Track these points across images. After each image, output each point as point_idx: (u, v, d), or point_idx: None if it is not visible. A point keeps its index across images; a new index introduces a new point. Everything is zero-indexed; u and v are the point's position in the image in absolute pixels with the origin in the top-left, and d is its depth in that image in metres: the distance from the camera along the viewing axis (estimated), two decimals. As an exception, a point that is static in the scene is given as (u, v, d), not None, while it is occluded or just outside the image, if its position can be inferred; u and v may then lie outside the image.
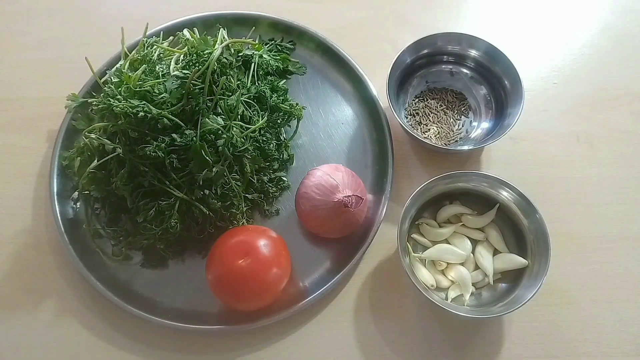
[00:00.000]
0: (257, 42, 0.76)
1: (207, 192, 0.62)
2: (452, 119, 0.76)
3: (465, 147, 0.72)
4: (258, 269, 0.59)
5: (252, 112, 0.69)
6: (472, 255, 0.66)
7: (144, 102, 0.59)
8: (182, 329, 0.63)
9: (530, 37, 0.83)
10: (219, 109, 0.63)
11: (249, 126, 0.66)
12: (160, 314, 0.64)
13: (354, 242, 0.67)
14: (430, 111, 0.76)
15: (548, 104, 0.78)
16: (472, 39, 0.73)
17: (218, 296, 0.62)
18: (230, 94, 0.65)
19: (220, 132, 0.62)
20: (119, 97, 0.60)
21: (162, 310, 0.65)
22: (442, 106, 0.76)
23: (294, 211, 0.68)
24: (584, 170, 0.73)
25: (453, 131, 0.75)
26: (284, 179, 0.72)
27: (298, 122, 0.74)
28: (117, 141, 0.62)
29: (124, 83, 0.61)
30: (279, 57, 0.77)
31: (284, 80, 0.77)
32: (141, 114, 0.58)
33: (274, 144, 0.71)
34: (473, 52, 0.75)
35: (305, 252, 0.68)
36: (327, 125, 0.76)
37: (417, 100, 0.77)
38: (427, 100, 0.77)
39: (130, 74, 0.62)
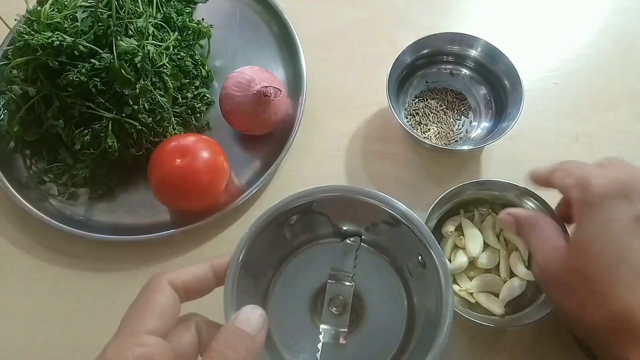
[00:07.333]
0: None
1: (135, 107, 0.65)
2: (452, 119, 0.76)
3: (465, 147, 0.72)
4: (196, 166, 0.62)
5: (163, 33, 0.73)
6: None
7: (58, 32, 0.64)
8: (141, 240, 0.67)
9: (530, 37, 0.83)
10: (131, 32, 0.67)
11: (162, 43, 0.70)
12: (120, 234, 0.68)
13: (280, 138, 0.72)
14: (430, 111, 0.76)
15: (548, 104, 0.78)
16: (472, 39, 0.73)
17: (161, 199, 0.65)
18: (138, 17, 0.69)
19: (135, 50, 0.65)
20: (32, 32, 0.63)
21: (120, 230, 0.69)
22: (442, 106, 0.76)
23: (225, 123, 0.71)
24: (584, 170, 0.73)
25: (453, 131, 0.75)
26: (208, 95, 0.76)
27: (209, 40, 0.78)
28: (40, 83, 0.65)
29: (35, 20, 0.65)
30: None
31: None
32: (57, 42, 0.62)
33: (190, 62, 0.75)
34: (473, 52, 0.75)
35: (239, 155, 0.73)
36: (241, 45, 0.81)
37: (417, 100, 0.77)
38: (427, 100, 0.77)
39: (38, 8, 0.66)
